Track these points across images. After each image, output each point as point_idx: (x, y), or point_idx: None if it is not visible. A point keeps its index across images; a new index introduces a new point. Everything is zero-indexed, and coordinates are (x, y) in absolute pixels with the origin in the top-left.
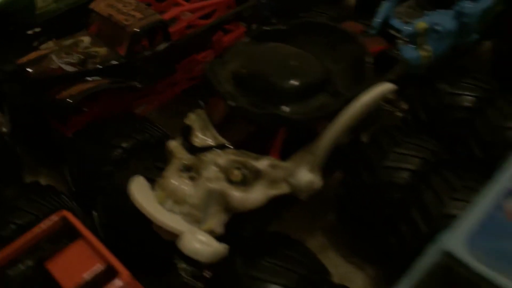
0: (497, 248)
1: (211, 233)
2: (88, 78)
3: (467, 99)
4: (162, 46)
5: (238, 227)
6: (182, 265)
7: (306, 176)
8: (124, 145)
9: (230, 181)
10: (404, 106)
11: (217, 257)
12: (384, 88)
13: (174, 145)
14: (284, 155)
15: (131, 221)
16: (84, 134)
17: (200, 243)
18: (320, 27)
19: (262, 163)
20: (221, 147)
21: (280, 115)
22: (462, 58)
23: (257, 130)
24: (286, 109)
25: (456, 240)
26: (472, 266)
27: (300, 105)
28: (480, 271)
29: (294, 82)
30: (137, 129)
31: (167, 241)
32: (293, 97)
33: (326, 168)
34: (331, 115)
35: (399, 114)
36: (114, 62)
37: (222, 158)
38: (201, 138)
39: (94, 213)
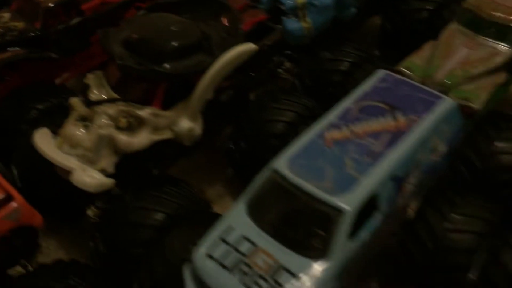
0: (313, 165)
1: (104, 172)
2: (8, 49)
3: (343, 64)
4: (74, 21)
5: (130, 167)
6: (90, 208)
7: (186, 123)
8: (39, 106)
9: (118, 128)
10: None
11: (103, 188)
12: (244, 48)
13: (73, 100)
14: (169, 107)
15: (42, 172)
16: (5, 99)
17: (89, 177)
18: (205, 0)
19: (145, 112)
20: (112, 100)
21: (160, 70)
22: (347, 30)
23: (147, 88)
24: (166, 66)
25: (281, 160)
26: (289, 177)
27: (178, 62)
28: (295, 181)
29: (173, 44)
30: (53, 94)
31: (78, 189)
32: (172, 56)
33: (217, 124)
34: (206, 71)
35: (291, 79)
36: (31, 35)
37: (112, 109)
38: (96, 94)
39: (12, 167)
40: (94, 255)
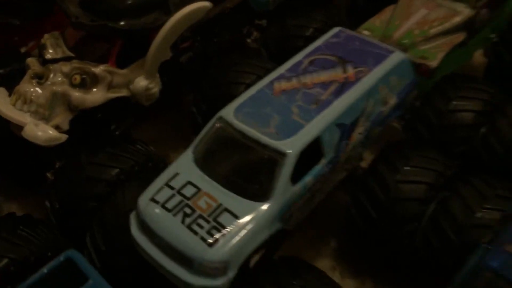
0: (259, 112)
1: (58, 128)
2: None
3: (308, 30)
4: None
5: (88, 125)
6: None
7: (142, 82)
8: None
9: (72, 85)
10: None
11: (55, 142)
12: (196, 5)
13: (29, 59)
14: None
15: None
16: None
17: (40, 131)
18: None
19: (99, 69)
20: (67, 58)
21: (112, 26)
22: None
23: (103, 47)
24: (121, 23)
25: (228, 109)
26: (234, 124)
27: (134, 20)
28: (240, 128)
29: (128, 1)
30: (15, 59)
31: (37, 153)
32: (127, 13)
33: (179, 87)
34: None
35: (254, 45)
36: None
37: (67, 67)
38: (52, 53)
39: None
40: (50, 213)
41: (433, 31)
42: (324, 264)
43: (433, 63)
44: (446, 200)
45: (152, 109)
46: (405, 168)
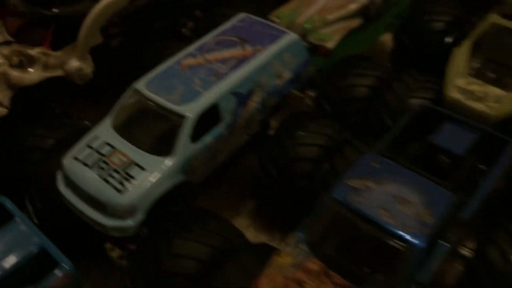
0: (166, 84)
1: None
2: None
3: None
4: None
5: (28, 101)
6: None
7: (75, 63)
8: None
9: (11, 66)
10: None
11: None
12: None
13: None
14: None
15: None
16: None
17: None
18: None
19: (34, 51)
20: (7, 43)
21: (45, 13)
22: None
23: (39, 32)
24: (54, 10)
25: (141, 82)
26: (145, 93)
27: (66, 7)
28: (150, 96)
29: None
30: None
31: None
32: (59, 2)
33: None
34: None
35: (188, 33)
36: None
37: (6, 49)
38: None
39: None
40: None
41: (331, 17)
42: (241, 221)
43: (330, 44)
44: (334, 160)
45: (92, 91)
46: (300, 133)
